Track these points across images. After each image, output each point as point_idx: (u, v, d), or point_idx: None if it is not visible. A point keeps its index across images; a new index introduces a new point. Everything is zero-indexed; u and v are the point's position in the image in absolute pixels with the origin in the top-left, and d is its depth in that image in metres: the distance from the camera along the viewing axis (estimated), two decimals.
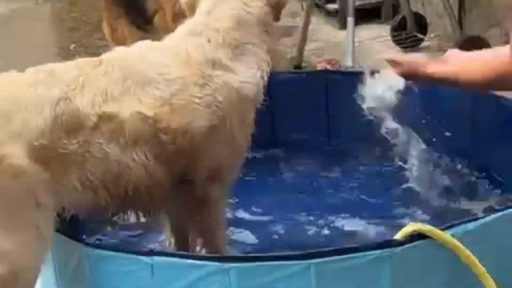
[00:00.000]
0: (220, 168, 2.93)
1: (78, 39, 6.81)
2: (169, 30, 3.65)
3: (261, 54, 3.05)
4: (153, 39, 3.64)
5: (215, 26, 3.00)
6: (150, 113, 2.74)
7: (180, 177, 2.88)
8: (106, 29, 4.56)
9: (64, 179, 2.65)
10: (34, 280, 2.64)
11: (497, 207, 2.82)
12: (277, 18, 3.21)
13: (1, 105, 2.60)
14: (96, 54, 6.21)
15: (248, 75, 2.96)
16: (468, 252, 2.57)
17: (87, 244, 2.71)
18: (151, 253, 2.62)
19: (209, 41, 2.96)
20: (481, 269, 2.58)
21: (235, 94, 2.91)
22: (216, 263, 2.53)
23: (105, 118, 2.68)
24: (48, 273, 2.89)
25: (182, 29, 3.08)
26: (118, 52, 2.97)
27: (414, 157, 3.59)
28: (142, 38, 3.99)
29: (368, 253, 2.52)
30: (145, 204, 2.92)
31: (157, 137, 2.76)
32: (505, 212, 2.72)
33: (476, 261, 2.58)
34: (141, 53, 2.94)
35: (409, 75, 3.26)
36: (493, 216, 2.69)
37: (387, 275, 2.54)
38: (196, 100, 2.82)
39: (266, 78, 3.06)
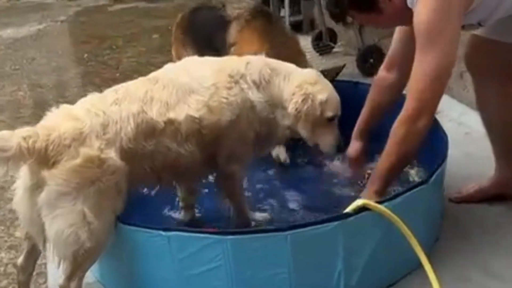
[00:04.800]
0: (234, 152, 2.80)
1: (89, 50, 6.56)
2: None
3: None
4: None
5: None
6: (196, 114, 2.65)
7: (210, 158, 2.78)
8: (176, 54, 4.09)
9: (139, 168, 2.60)
10: (101, 253, 2.57)
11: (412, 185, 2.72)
12: None
13: (99, 119, 2.52)
14: (104, 61, 6.14)
15: (261, 96, 2.78)
16: (397, 218, 2.51)
17: (119, 220, 2.57)
18: (167, 229, 2.50)
19: (247, 64, 2.81)
20: (407, 231, 2.52)
21: (249, 102, 2.76)
22: (216, 236, 2.43)
23: (169, 123, 2.61)
24: None
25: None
26: (167, 69, 2.85)
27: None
28: None
29: (327, 224, 2.44)
30: (188, 177, 2.89)
31: (200, 131, 2.67)
32: (416, 189, 2.65)
33: (404, 225, 2.51)
34: (185, 67, 2.83)
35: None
36: (410, 192, 2.62)
37: (341, 239, 2.47)
38: (224, 100, 2.71)
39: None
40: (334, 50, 5.71)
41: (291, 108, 2.75)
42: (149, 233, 2.50)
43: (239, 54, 3.29)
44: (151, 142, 2.59)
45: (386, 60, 3.17)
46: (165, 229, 2.49)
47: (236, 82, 2.75)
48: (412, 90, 2.68)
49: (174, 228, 2.53)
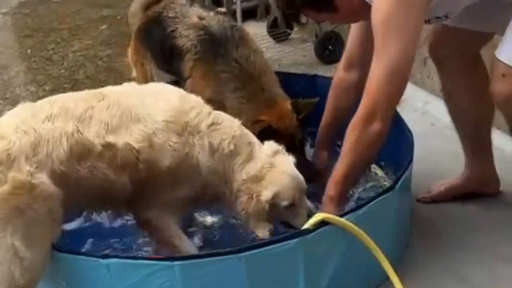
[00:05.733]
0: (159, 199, 2.48)
1: (33, 45, 6.22)
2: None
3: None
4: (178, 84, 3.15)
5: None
6: (135, 145, 2.38)
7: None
8: (132, 59, 3.79)
9: (74, 196, 2.34)
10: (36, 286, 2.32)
11: (376, 194, 2.52)
12: None
13: (29, 138, 2.26)
14: (49, 56, 5.83)
15: (211, 164, 2.47)
16: (361, 231, 2.31)
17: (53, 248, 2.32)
18: (106, 256, 2.27)
19: (208, 114, 2.52)
20: (371, 244, 2.33)
21: (195, 160, 2.45)
22: (162, 262, 2.20)
23: (107, 147, 2.35)
24: None
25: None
26: (118, 90, 2.55)
27: None
28: (165, 80, 3.50)
29: (285, 243, 2.23)
30: (117, 207, 2.55)
31: (137, 165, 2.39)
32: (381, 198, 2.46)
33: (367, 238, 2.32)
34: (141, 91, 2.53)
35: None
36: (374, 201, 2.43)
37: (302, 257, 2.27)
38: (170, 143, 2.41)
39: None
40: (291, 36, 5.48)
41: (238, 207, 2.48)
42: (87, 261, 2.26)
43: (193, 90, 3.01)
44: (86, 166, 2.33)
45: (343, 60, 2.96)
46: (104, 256, 2.26)
47: (190, 134, 2.45)
48: (366, 91, 2.48)
49: (114, 255, 2.30)
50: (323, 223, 2.28)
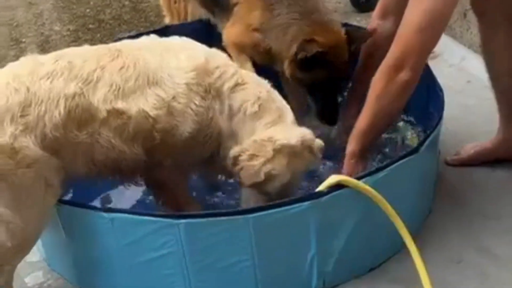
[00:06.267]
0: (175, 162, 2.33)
1: None
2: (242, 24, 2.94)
3: None
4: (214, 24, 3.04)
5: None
6: (151, 112, 2.19)
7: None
8: (164, 2, 3.57)
9: (72, 162, 2.18)
10: (31, 248, 2.25)
11: (398, 156, 2.38)
12: None
13: (19, 97, 2.09)
14: None
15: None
16: (379, 196, 2.18)
17: (59, 201, 2.24)
18: (110, 209, 2.21)
19: (232, 74, 2.32)
20: (390, 210, 2.19)
21: (218, 127, 2.29)
22: (166, 219, 2.11)
23: (114, 113, 2.16)
24: None
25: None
26: (135, 45, 2.34)
27: None
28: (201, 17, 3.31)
29: (296, 205, 2.11)
30: (129, 176, 2.38)
31: (152, 134, 2.22)
32: (403, 160, 2.30)
33: (386, 203, 2.19)
34: (162, 48, 2.32)
35: None
36: (395, 164, 2.28)
37: (314, 222, 2.16)
38: (192, 106, 2.23)
39: None
40: None
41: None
42: (90, 214, 2.19)
43: (240, 19, 2.89)
44: (86, 132, 2.15)
45: (378, 7, 2.78)
46: (107, 210, 2.18)
47: (213, 98, 2.26)
48: (397, 37, 2.34)
49: (118, 209, 2.21)
50: (338, 185, 2.16)
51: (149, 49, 2.30)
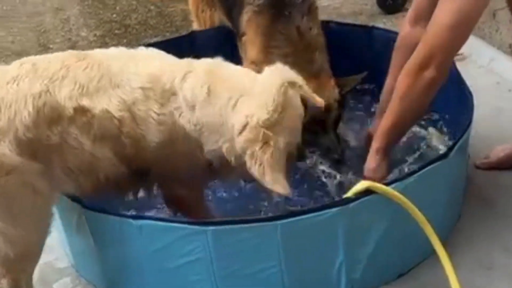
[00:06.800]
0: (178, 174, 2.29)
1: None
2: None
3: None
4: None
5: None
6: (116, 113, 2.15)
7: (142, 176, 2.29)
8: (192, 7, 3.55)
9: (51, 168, 2.13)
10: (39, 254, 2.23)
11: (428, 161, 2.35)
12: None
13: None
14: (101, 0, 5.76)
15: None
16: (408, 202, 2.16)
17: (84, 206, 2.26)
18: (138, 216, 2.21)
19: (181, 69, 2.24)
20: (419, 216, 2.17)
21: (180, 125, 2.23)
22: (194, 226, 2.12)
23: (80, 111, 2.12)
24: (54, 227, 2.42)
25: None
26: (102, 52, 2.33)
27: None
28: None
29: (324, 211, 2.10)
30: (117, 189, 2.30)
31: (120, 138, 2.17)
32: (433, 165, 2.28)
33: (415, 209, 2.17)
34: (127, 56, 2.29)
35: None
36: (424, 169, 2.26)
37: (342, 228, 2.14)
38: (153, 115, 2.18)
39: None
40: None
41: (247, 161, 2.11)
42: (118, 221, 2.20)
43: (247, 50, 2.90)
44: (57, 132, 2.10)
45: (410, 13, 2.71)
46: (135, 217, 2.19)
47: (170, 99, 2.19)
48: (425, 36, 2.32)
49: (146, 216, 2.22)
50: (367, 192, 2.14)
51: (115, 56, 2.28)
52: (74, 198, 2.29)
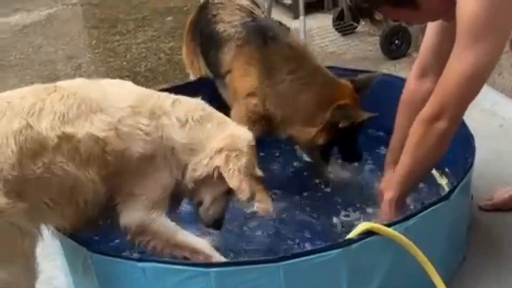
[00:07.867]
0: (140, 195, 2.32)
1: (98, 36, 6.30)
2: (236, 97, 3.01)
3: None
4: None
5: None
6: (100, 134, 2.20)
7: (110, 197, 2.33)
8: (186, 60, 3.64)
9: (36, 201, 2.13)
10: None
11: (428, 203, 2.38)
12: None
13: None
14: (112, 48, 5.90)
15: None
16: (410, 243, 2.17)
17: (89, 249, 2.29)
18: (142, 259, 2.21)
19: (167, 96, 2.44)
20: (422, 257, 2.18)
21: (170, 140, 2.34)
22: (198, 268, 2.15)
23: (65, 138, 2.15)
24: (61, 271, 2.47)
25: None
26: (72, 82, 2.38)
27: None
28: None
29: (327, 253, 2.12)
30: (97, 215, 2.33)
31: (104, 157, 2.22)
32: (434, 207, 2.30)
33: (417, 250, 2.18)
34: (100, 85, 2.38)
35: None
36: (426, 211, 2.28)
37: (344, 270, 2.16)
38: (141, 126, 2.28)
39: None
40: (357, 30, 5.31)
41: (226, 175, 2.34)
42: (122, 263, 2.23)
43: (235, 89, 2.96)
44: (41, 164, 2.10)
45: (415, 68, 2.68)
46: (140, 260, 2.21)
47: (159, 116, 2.33)
48: (439, 87, 2.29)
49: (150, 258, 2.25)
50: (369, 233, 2.16)
51: (85, 86, 2.35)
52: (81, 242, 2.32)
